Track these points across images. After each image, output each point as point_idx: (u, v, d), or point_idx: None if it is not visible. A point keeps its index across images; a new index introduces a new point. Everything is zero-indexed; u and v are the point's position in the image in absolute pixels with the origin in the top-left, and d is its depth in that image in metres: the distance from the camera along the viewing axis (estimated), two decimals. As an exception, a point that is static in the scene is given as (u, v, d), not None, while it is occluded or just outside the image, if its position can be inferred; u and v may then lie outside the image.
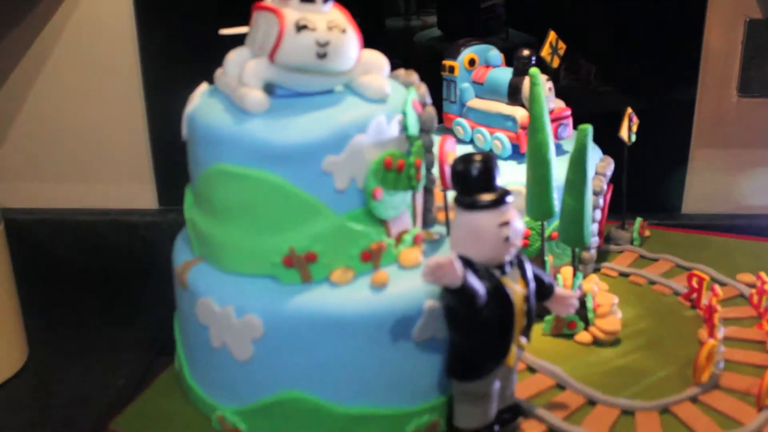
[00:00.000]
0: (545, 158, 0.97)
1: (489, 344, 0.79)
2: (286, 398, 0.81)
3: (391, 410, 0.82)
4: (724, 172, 1.18)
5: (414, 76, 0.89)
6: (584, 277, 1.09)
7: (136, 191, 1.42)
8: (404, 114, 0.82)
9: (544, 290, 0.85)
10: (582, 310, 1.00)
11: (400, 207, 0.82)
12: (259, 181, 0.77)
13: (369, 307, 0.78)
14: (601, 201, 1.12)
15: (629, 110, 1.18)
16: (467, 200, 0.76)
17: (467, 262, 0.76)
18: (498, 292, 0.77)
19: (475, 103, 1.16)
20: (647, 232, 1.27)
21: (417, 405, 0.83)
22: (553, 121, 1.11)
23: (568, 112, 1.13)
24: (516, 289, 0.78)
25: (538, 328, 1.01)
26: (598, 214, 1.13)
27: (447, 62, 1.17)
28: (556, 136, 1.12)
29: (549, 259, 1.04)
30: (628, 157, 1.20)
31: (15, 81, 1.35)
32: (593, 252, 1.14)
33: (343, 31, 0.78)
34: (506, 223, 0.76)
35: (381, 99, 0.81)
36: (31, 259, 1.29)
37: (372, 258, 0.81)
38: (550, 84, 1.10)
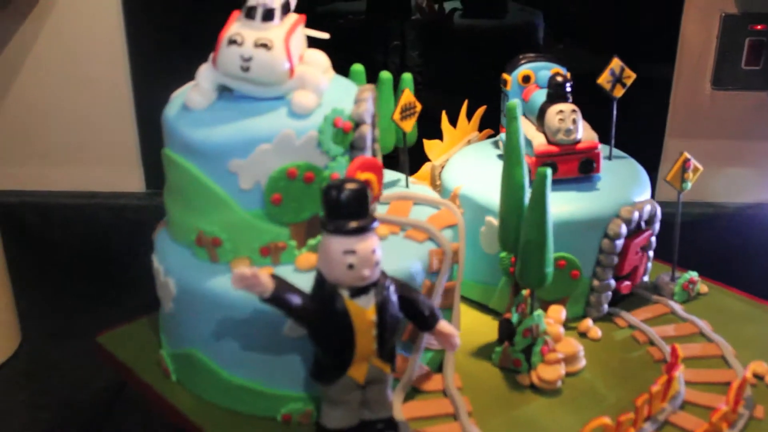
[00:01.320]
0: (514, 193, 0.97)
1: (328, 355, 0.85)
2: (190, 353, 0.95)
3: (268, 389, 0.92)
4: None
5: (365, 94, 0.94)
6: (593, 319, 1.07)
7: (123, 174, 1.46)
8: (318, 131, 0.88)
9: (422, 322, 0.87)
10: (527, 352, 0.99)
11: (303, 215, 0.90)
12: (183, 169, 0.90)
13: (252, 298, 0.88)
14: (618, 245, 1.06)
15: (684, 155, 1.08)
16: (322, 222, 0.81)
17: (320, 277, 0.83)
18: (335, 312, 0.82)
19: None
20: (704, 288, 1.16)
21: (292, 391, 0.92)
22: (576, 154, 1.07)
23: (598, 146, 1.08)
24: (360, 313, 0.83)
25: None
26: (613, 259, 1.07)
27: (504, 75, 1.16)
28: (578, 172, 1.08)
29: (525, 293, 1.03)
30: (680, 202, 1.11)
31: (1, 65, 1.39)
32: (603, 296, 1.09)
33: (269, 48, 0.87)
34: (350, 252, 0.80)
35: (303, 115, 0.89)
36: (21, 242, 1.34)
37: (270, 254, 0.91)
38: (574, 115, 1.06)
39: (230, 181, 0.89)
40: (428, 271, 0.95)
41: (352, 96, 0.95)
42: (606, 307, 1.11)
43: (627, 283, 1.12)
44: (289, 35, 0.89)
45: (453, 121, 1.23)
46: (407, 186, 1.09)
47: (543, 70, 1.15)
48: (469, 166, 1.16)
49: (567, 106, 1.06)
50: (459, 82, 1.42)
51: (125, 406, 1.10)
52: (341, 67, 1.04)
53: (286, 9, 0.90)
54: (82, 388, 1.10)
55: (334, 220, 0.81)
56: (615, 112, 1.15)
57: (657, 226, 1.12)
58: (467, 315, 1.12)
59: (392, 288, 0.85)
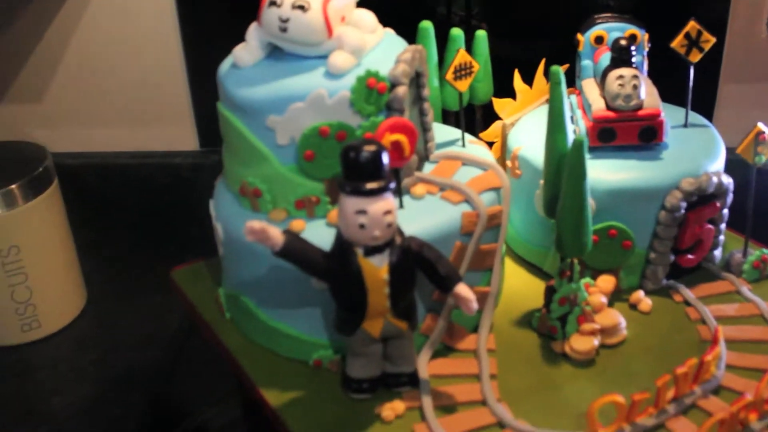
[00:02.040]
0: (557, 164, 0.95)
1: (343, 309, 0.89)
2: (236, 294, 1.02)
3: (301, 334, 0.98)
4: (752, 108, 1.11)
5: (405, 55, 0.95)
6: (646, 291, 1.04)
7: (177, 133, 1.48)
8: (351, 91, 0.91)
9: (439, 283, 0.89)
10: (563, 320, 0.98)
11: (335, 171, 0.93)
12: (230, 123, 0.95)
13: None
14: (677, 218, 1.02)
15: (758, 127, 1.01)
16: (339, 182, 0.84)
17: (338, 234, 0.86)
18: (349, 268, 0.85)
19: (585, 83, 1.11)
20: (780, 268, 1.09)
21: (322, 339, 0.97)
22: (636, 121, 1.03)
23: (660, 114, 1.03)
24: (373, 271, 0.85)
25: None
26: (671, 232, 1.03)
27: (578, 35, 1.13)
28: (638, 139, 1.04)
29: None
30: (756, 178, 1.04)
31: (57, 28, 1.41)
32: (660, 268, 1.06)
33: (305, 10, 0.89)
34: (362, 212, 0.83)
35: (337, 75, 0.91)
36: (81, 202, 1.37)
37: (305, 207, 0.95)
38: (635, 81, 1.01)
39: (268, 137, 0.93)
40: (461, 233, 0.96)
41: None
42: (664, 280, 1.07)
43: (690, 256, 1.07)
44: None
45: (528, 81, 1.21)
46: (463, 145, 1.09)
47: (617, 31, 1.10)
48: (536, 127, 1.14)
49: (628, 71, 1.02)
50: (537, 38, 1.38)
51: (188, 365, 1.15)
52: (410, 22, 1.05)
53: (327, -30, 0.92)
54: (148, 346, 1.16)
55: (348, 180, 0.84)
56: (692, 77, 1.09)
57: (729, 198, 1.07)
58: (520, 277, 1.12)
59: (410, 248, 0.87)
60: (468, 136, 1.11)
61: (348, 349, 0.93)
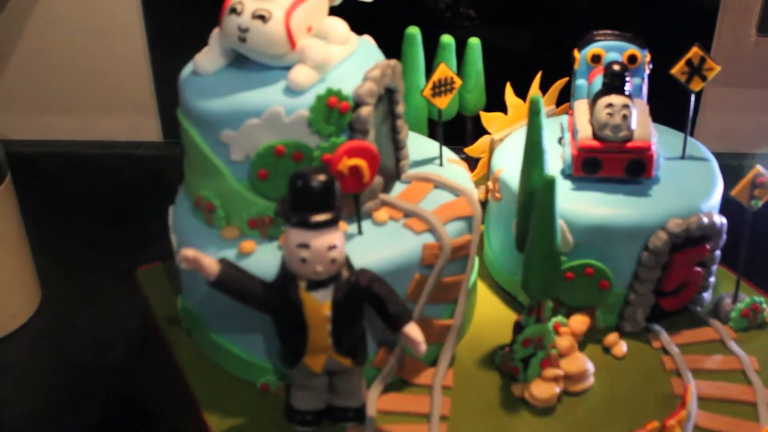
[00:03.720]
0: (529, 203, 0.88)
1: (283, 342, 0.84)
2: (190, 307, 0.98)
3: (248, 356, 0.93)
4: (737, 112, 1.11)
5: (374, 72, 0.88)
6: (624, 332, 0.99)
7: (140, 123, 1.43)
8: (309, 110, 0.85)
9: (388, 321, 0.84)
10: (527, 362, 0.93)
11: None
12: (187, 133, 0.90)
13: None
14: (660, 260, 0.96)
15: (757, 169, 0.94)
16: (283, 210, 0.79)
17: (283, 263, 0.81)
18: (290, 301, 0.81)
19: (577, 104, 1.04)
20: (772, 318, 1.02)
21: (269, 363, 0.93)
22: (623, 153, 0.96)
23: (651, 147, 0.95)
24: (315, 306, 0.81)
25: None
26: (653, 274, 0.97)
27: (575, 51, 1.05)
28: (625, 173, 0.97)
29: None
30: (753, 217, 0.96)
31: (14, 12, 1.35)
32: (639, 310, 0.99)
33: (265, 20, 0.84)
34: (304, 246, 0.78)
35: (297, 92, 0.85)
36: (36, 193, 1.27)
37: (258, 227, 0.90)
38: (626, 111, 0.94)
39: (223, 151, 0.88)
40: (420, 265, 0.90)
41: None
42: (643, 322, 1.01)
43: (674, 299, 1.00)
44: (294, 6, 0.85)
45: (521, 95, 1.14)
46: (441, 164, 1.03)
47: (615, 51, 1.03)
48: (520, 147, 1.07)
49: (619, 100, 0.94)
50: (533, 50, 1.31)
51: (149, 371, 1.05)
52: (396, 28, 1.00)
53: (294, -22, 0.86)
54: (106, 345, 1.08)
55: (293, 210, 0.79)
56: (692, 106, 1.01)
57: (722, 239, 0.99)
58: (494, 306, 1.07)
59: (358, 283, 0.82)
60: (449, 154, 1.05)
61: (291, 380, 0.89)
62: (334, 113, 0.86)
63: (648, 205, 0.96)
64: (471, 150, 1.13)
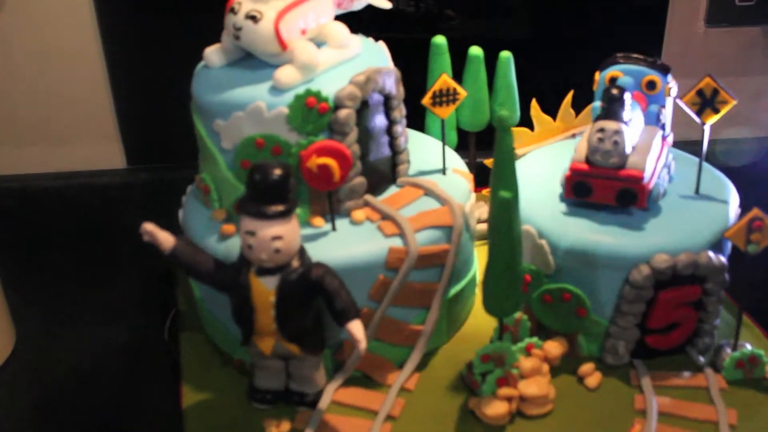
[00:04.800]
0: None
1: (235, 320, 0.90)
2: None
3: (228, 331, 0.99)
4: None
5: (359, 77, 0.92)
6: (606, 364, 0.97)
7: (102, 151, 1.37)
8: (288, 107, 0.90)
9: (334, 315, 0.87)
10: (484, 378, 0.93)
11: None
12: (195, 120, 0.98)
13: (213, 246, 0.95)
14: (642, 295, 0.92)
15: (755, 212, 0.88)
16: (240, 197, 0.85)
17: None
18: (239, 283, 0.86)
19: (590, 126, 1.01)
20: (773, 373, 0.95)
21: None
22: (614, 180, 0.93)
23: (643, 178, 0.92)
24: (262, 291, 0.85)
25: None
26: (636, 308, 0.93)
27: (597, 72, 1.03)
28: (615, 201, 0.94)
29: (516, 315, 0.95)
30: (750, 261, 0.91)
31: None
32: (620, 344, 0.96)
33: (256, 21, 0.89)
34: (250, 233, 0.83)
35: (281, 90, 0.90)
36: (1, 230, 1.26)
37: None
38: (617, 137, 0.91)
39: (216, 139, 0.95)
40: (385, 267, 0.93)
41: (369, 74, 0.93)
42: (626, 357, 0.97)
43: (662, 338, 0.96)
44: (287, 9, 0.90)
45: (550, 112, 1.12)
46: (444, 173, 1.04)
47: (633, 75, 0.99)
48: (537, 164, 1.06)
49: (611, 125, 0.91)
50: (569, 64, 1.27)
51: (133, 394, 1.04)
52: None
53: (293, -19, 0.91)
54: (87, 379, 1.06)
55: (245, 198, 0.84)
56: (706, 141, 0.96)
57: (721, 280, 0.94)
58: (489, 320, 1.06)
59: (308, 275, 0.86)
60: (458, 164, 1.06)
61: (251, 359, 0.94)
62: (313, 113, 0.91)
63: (635, 235, 0.93)
64: (491, 162, 1.13)
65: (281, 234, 0.83)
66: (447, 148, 1.07)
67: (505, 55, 1.11)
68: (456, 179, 1.03)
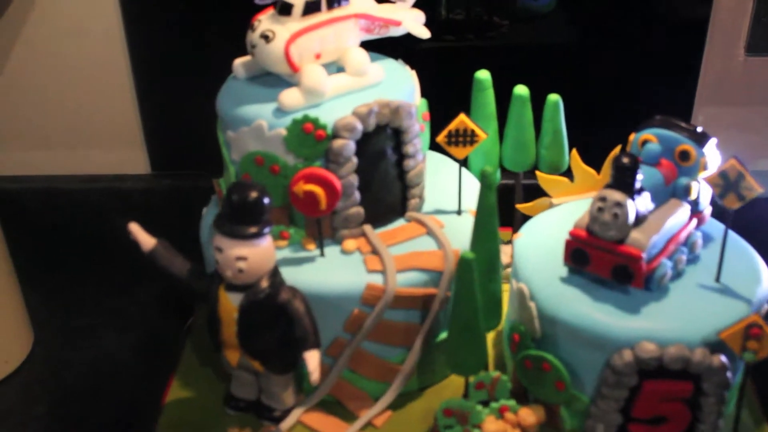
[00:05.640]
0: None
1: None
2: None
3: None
4: (726, 131, 1.16)
5: (361, 109, 0.90)
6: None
7: (126, 156, 1.37)
8: (287, 130, 0.90)
9: (294, 341, 0.88)
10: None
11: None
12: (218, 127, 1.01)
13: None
14: (623, 381, 0.86)
15: (752, 318, 0.79)
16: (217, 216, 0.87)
17: None
18: (209, 294, 0.89)
19: (614, 189, 0.93)
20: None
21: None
22: (611, 254, 0.87)
23: (641, 258, 0.84)
24: (228, 306, 0.88)
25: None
26: (616, 393, 0.87)
27: (632, 134, 0.95)
28: (610, 276, 0.87)
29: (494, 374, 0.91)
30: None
31: None
32: (600, 426, 0.90)
33: (268, 41, 0.90)
34: (218, 249, 0.85)
35: (285, 111, 0.91)
36: (23, 230, 1.24)
37: (245, 222, 0.98)
38: (617, 210, 0.84)
39: (229, 148, 0.98)
40: (361, 302, 0.92)
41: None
42: (608, 441, 0.90)
43: (647, 428, 0.88)
44: (302, 32, 0.91)
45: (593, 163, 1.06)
46: (458, 214, 1.01)
47: (667, 142, 0.91)
48: (559, 219, 1.00)
49: (613, 196, 0.84)
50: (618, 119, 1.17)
51: (147, 400, 1.03)
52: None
53: (312, 7, 0.91)
54: (102, 384, 1.07)
55: (221, 213, 0.86)
56: (726, 232, 0.87)
57: (719, 383, 0.85)
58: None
59: (274, 297, 0.87)
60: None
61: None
62: (310, 138, 0.91)
63: (625, 316, 0.86)
64: (524, 207, 1.08)
65: (246, 255, 0.85)
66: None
67: (554, 98, 1.05)
68: (469, 222, 1.00)
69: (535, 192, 1.08)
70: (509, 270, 1.02)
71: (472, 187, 1.05)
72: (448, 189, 1.04)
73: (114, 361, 1.12)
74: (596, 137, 1.05)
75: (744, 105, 1.37)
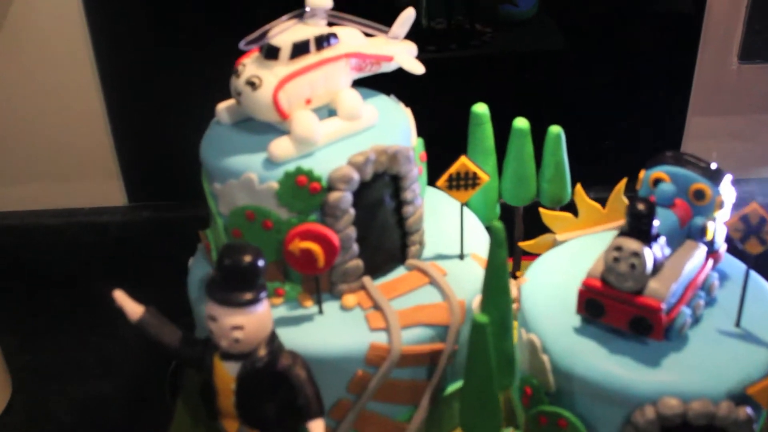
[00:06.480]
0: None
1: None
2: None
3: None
4: (720, 140, 1.20)
5: (357, 158, 0.85)
6: None
7: (103, 188, 1.31)
8: (279, 183, 0.85)
9: (296, 410, 0.82)
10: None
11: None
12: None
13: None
14: None
15: None
16: (209, 277, 0.81)
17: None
18: (204, 364, 0.83)
19: (625, 231, 0.89)
20: None
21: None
22: (628, 305, 0.82)
23: (661, 309, 0.79)
24: (224, 376, 0.82)
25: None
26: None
27: (642, 171, 0.91)
28: (628, 328, 0.82)
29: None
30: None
31: None
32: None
33: (255, 88, 0.85)
34: (212, 318, 0.79)
35: (275, 163, 0.86)
36: None
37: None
38: (635, 260, 0.79)
39: (216, 200, 0.92)
40: (365, 363, 0.87)
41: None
42: (628, 499, 0.86)
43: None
44: (290, 77, 0.85)
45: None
46: (461, 258, 0.96)
47: (680, 180, 0.86)
48: (568, 259, 0.96)
49: (630, 245, 0.80)
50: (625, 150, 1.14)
51: None
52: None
53: (300, 49, 0.86)
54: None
55: (213, 279, 0.80)
56: (747, 275, 0.83)
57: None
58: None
59: (274, 364, 0.82)
60: (482, 247, 0.98)
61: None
62: (304, 191, 0.85)
63: (646, 370, 0.81)
64: (528, 245, 1.04)
65: (242, 324, 0.79)
66: (479, 228, 0.99)
67: (555, 130, 1.01)
68: (472, 267, 0.95)
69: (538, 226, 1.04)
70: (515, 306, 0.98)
71: (472, 226, 1.01)
72: (448, 230, 0.99)
73: (95, 409, 1.07)
74: (591, 144, 1.02)
75: (738, 113, 1.36)
